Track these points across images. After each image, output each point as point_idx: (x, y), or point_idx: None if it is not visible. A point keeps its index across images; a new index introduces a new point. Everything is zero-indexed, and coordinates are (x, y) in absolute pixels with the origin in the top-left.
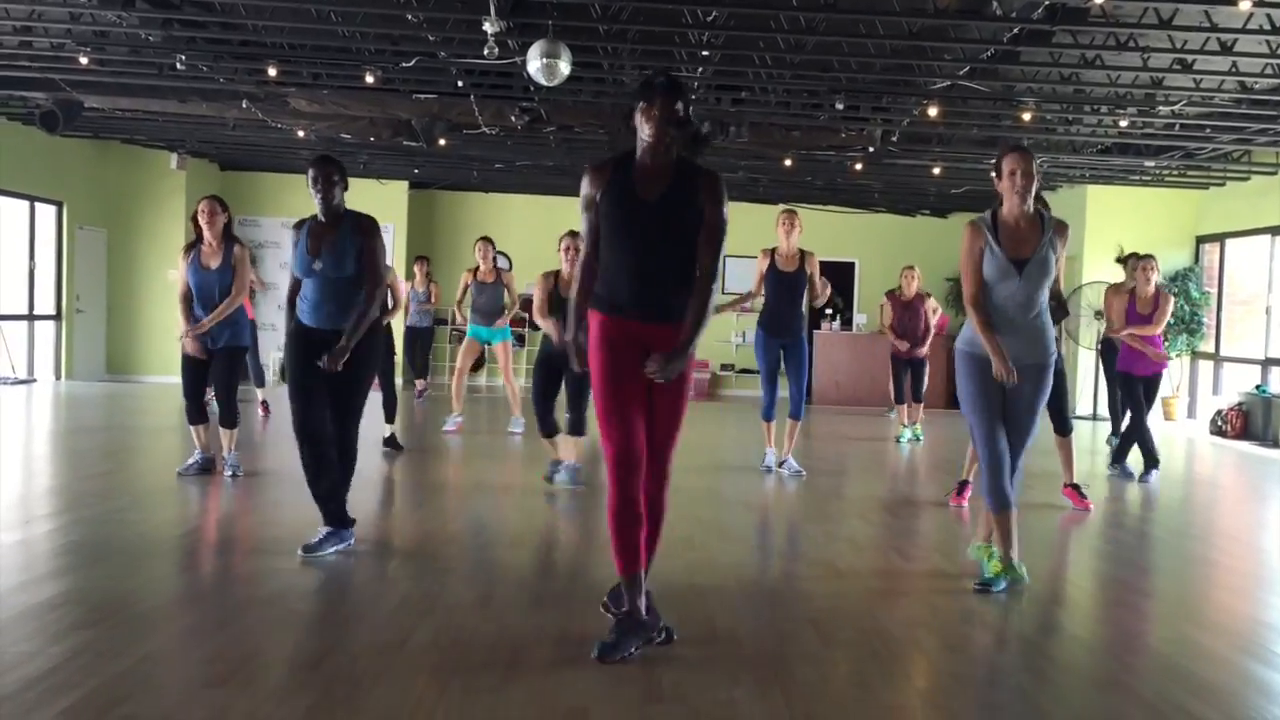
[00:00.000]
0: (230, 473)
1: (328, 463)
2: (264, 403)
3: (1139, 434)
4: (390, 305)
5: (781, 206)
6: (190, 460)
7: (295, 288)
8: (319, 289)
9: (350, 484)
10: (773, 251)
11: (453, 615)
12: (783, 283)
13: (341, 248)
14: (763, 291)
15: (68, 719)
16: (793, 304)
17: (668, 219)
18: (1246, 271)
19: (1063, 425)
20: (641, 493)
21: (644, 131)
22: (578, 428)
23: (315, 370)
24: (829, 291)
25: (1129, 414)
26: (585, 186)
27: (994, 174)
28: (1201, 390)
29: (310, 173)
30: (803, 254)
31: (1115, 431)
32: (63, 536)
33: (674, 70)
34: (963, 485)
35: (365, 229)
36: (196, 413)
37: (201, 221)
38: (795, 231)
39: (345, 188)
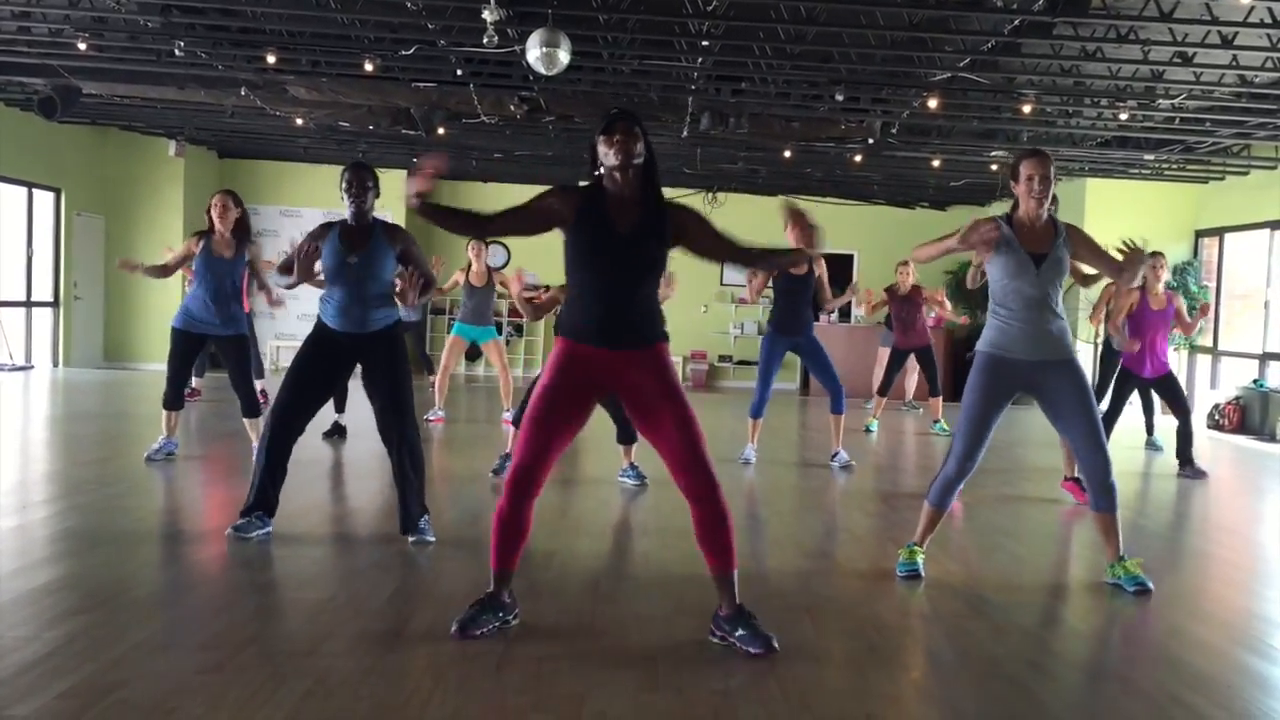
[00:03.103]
0: None
1: (285, 458)
2: (263, 392)
3: (1106, 427)
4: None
5: (794, 206)
6: (156, 445)
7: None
8: (348, 291)
9: (424, 488)
10: None
11: (449, 603)
12: (793, 284)
13: (376, 252)
14: (766, 282)
15: (63, 703)
16: (803, 304)
17: (638, 251)
18: (1245, 266)
19: None
20: (531, 511)
21: (609, 160)
22: (630, 437)
23: (322, 370)
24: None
25: (1110, 407)
26: (553, 196)
27: (1010, 178)
28: (1199, 384)
29: (345, 176)
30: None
31: (1149, 429)
32: (59, 522)
33: (673, 60)
34: (1076, 480)
35: (402, 237)
36: (175, 398)
37: (214, 215)
38: None
39: (377, 195)
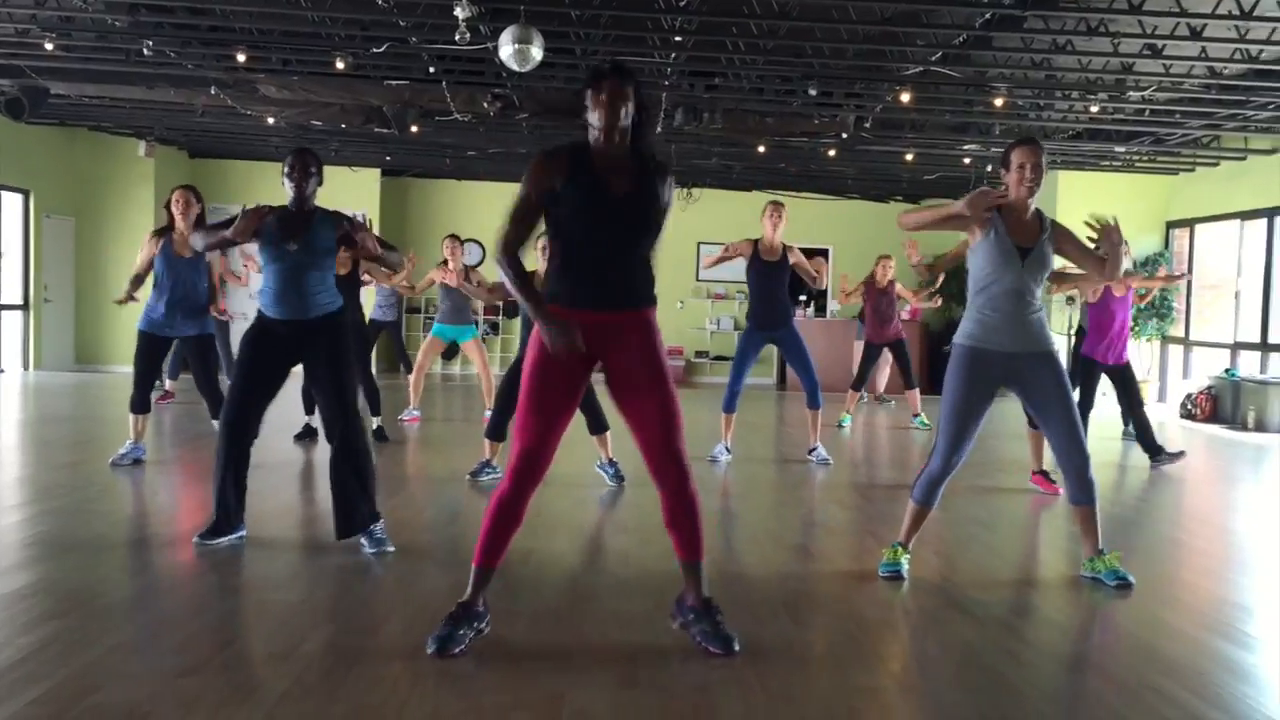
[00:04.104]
0: None
1: (244, 460)
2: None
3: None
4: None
5: (769, 198)
6: (123, 450)
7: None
8: (284, 277)
9: (374, 481)
10: (755, 242)
11: (427, 602)
12: (766, 274)
13: (316, 235)
14: (728, 258)
15: (37, 709)
16: (777, 295)
17: (634, 214)
18: (1216, 256)
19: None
20: (529, 501)
21: (594, 119)
22: (602, 426)
23: (266, 364)
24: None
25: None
26: (539, 172)
27: (1001, 166)
28: (1171, 374)
29: (288, 159)
30: (785, 246)
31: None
32: (31, 527)
33: (646, 56)
34: (1044, 473)
35: (342, 222)
36: (141, 402)
37: (176, 210)
38: (781, 224)
39: (320, 183)
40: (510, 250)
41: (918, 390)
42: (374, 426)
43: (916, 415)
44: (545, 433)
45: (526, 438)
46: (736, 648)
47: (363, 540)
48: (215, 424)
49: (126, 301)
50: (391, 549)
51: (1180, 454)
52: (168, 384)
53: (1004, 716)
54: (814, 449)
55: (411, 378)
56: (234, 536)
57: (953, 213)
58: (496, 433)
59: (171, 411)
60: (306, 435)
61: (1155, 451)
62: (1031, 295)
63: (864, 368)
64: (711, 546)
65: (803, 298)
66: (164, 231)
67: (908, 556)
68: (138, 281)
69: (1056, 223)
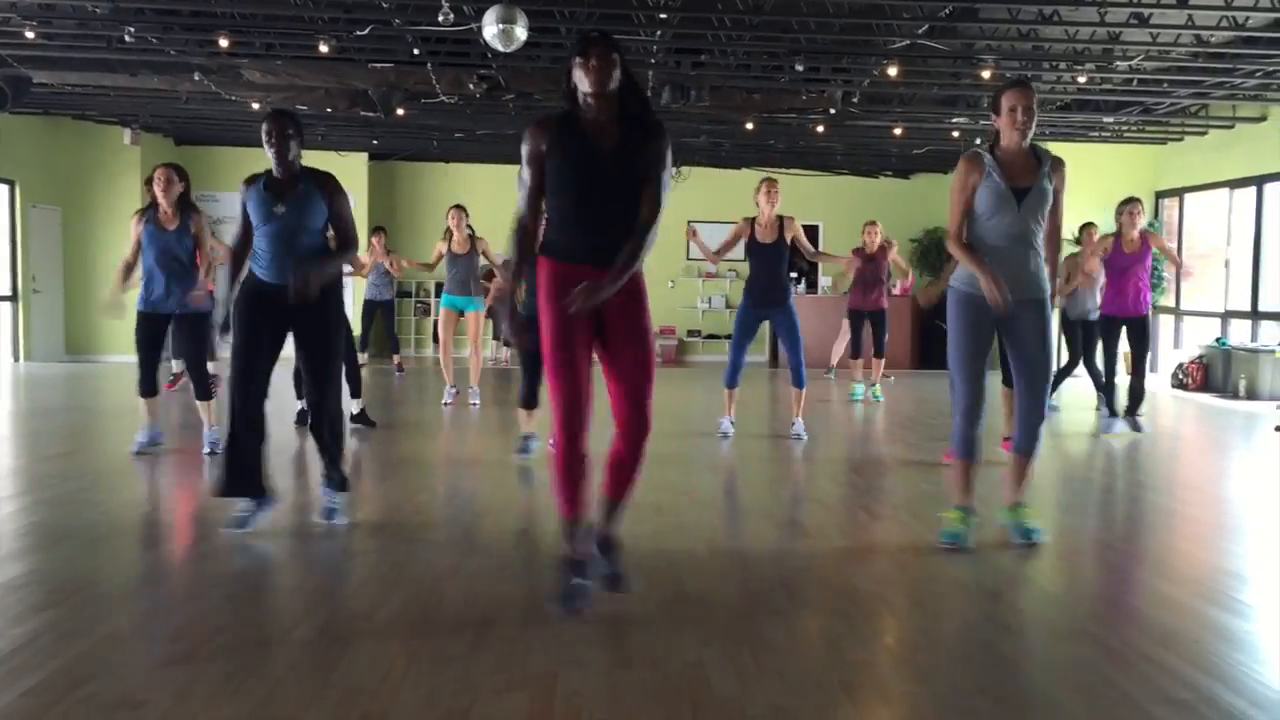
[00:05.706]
0: (209, 450)
1: (257, 431)
2: (214, 377)
3: (1107, 381)
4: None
5: (759, 176)
6: (144, 438)
7: (240, 248)
8: (277, 242)
9: (342, 456)
10: (753, 221)
11: (421, 585)
12: (762, 253)
13: (305, 198)
14: (720, 257)
15: (30, 700)
16: (775, 273)
17: (622, 168)
18: (1206, 225)
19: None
20: (587, 443)
21: (584, 85)
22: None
23: (265, 327)
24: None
25: (1108, 360)
26: (530, 141)
27: (992, 111)
28: (1162, 344)
29: (264, 127)
30: (781, 221)
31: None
32: (24, 518)
33: (632, 34)
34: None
35: (330, 187)
36: (149, 385)
37: (157, 189)
38: (776, 201)
39: (301, 143)
40: (522, 222)
41: (883, 362)
42: (354, 410)
43: (873, 385)
44: (577, 384)
45: (564, 396)
46: (627, 588)
47: (323, 495)
48: (198, 405)
49: (120, 293)
50: (343, 523)
51: (1139, 429)
52: (175, 366)
53: (999, 688)
54: (794, 423)
55: (441, 358)
56: (259, 516)
57: (960, 205)
58: (529, 400)
59: (177, 399)
60: (303, 420)
61: (1114, 413)
62: (1032, 237)
63: (855, 336)
64: (706, 524)
65: (794, 275)
66: (147, 210)
67: (973, 519)
68: (128, 270)
69: (1058, 159)
